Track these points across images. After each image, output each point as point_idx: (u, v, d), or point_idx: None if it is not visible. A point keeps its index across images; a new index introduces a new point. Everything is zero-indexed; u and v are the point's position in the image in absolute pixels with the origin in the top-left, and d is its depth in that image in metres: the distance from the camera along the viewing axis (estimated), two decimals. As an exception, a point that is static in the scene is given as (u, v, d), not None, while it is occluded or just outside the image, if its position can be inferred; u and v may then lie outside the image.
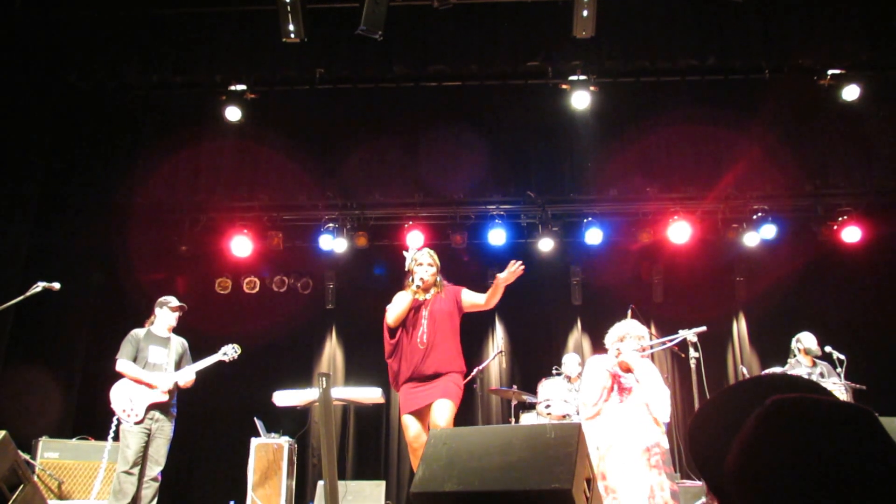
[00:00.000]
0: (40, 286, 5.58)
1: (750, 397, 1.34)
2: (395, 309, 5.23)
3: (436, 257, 5.43)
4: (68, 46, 7.90)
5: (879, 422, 1.18)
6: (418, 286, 5.21)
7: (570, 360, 8.14)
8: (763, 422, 1.20)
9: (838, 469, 1.10)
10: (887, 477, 1.10)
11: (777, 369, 7.26)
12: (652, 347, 5.79)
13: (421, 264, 5.31)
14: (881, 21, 7.79)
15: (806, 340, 7.39)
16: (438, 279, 5.37)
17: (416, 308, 5.24)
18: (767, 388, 1.41)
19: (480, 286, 9.62)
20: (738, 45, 7.96)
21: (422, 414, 5.08)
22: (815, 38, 7.89)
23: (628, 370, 5.08)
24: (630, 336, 5.19)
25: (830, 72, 8.14)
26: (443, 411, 4.94)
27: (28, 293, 5.54)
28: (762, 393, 1.29)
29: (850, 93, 8.07)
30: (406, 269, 5.43)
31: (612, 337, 5.30)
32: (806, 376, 6.99)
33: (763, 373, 7.43)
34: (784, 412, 1.20)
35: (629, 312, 7.06)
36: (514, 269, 5.24)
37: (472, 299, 5.40)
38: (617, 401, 5.04)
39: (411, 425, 5.07)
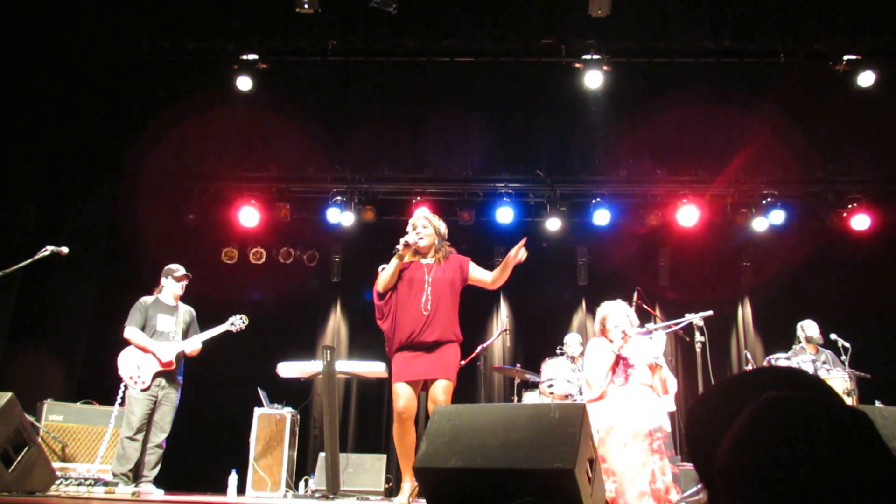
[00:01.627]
0: (49, 250, 5.59)
1: (745, 393, 1.33)
2: (384, 274, 5.07)
3: (434, 220, 5.23)
4: (80, 12, 7.85)
5: (873, 425, 1.16)
6: (398, 249, 5.01)
7: (572, 341, 8.14)
8: (754, 418, 1.19)
9: (826, 470, 1.09)
10: (876, 480, 1.09)
11: (781, 356, 7.26)
12: (657, 330, 5.80)
13: (415, 228, 5.15)
14: (900, 7, 7.70)
15: (808, 328, 7.40)
16: (438, 242, 5.18)
17: (417, 273, 5.07)
18: (764, 384, 1.39)
19: (487, 264, 9.65)
20: (754, 28, 7.88)
21: (416, 384, 4.95)
22: (833, 22, 7.81)
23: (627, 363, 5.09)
24: (611, 317, 5.20)
25: (846, 57, 8.06)
26: (444, 393, 4.87)
27: (36, 256, 5.56)
28: (758, 389, 1.28)
29: (866, 79, 7.99)
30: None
31: (597, 322, 5.33)
32: (810, 363, 7.00)
33: (767, 359, 7.43)
34: (776, 410, 1.19)
35: (635, 294, 7.06)
36: (521, 246, 5.11)
37: (479, 275, 5.24)
38: (620, 382, 5.05)
39: (404, 393, 4.89)
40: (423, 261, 5.12)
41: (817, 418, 1.16)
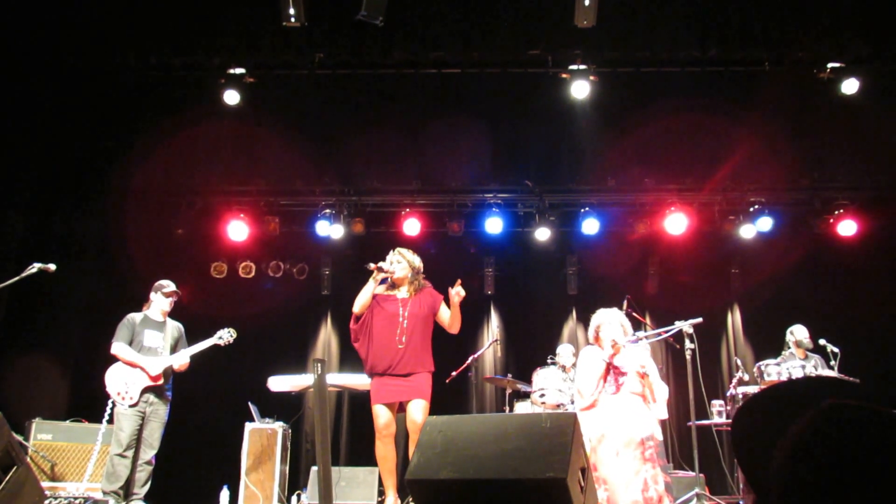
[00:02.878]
0: (36, 267, 5.57)
1: (794, 400, 1.32)
2: (360, 296, 5.54)
3: (408, 255, 5.70)
4: (66, 27, 7.84)
5: None
6: (368, 267, 5.48)
7: (564, 350, 8.15)
8: (818, 424, 1.16)
9: (888, 481, 1.06)
10: None
11: (771, 361, 7.28)
12: (647, 338, 5.81)
13: (391, 262, 5.62)
14: (882, 15, 7.77)
15: (798, 333, 7.44)
16: (412, 276, 5.64)
17: (393, 307, 5.54)
18: (819, 390, 1.38)
19: (477, 275, 9.68)
20: (738, 37, 7.93)
21: (393, 405, 5.49)
22: (816, 31, 7.88)
23: (620, 370, 5.09)
24: (605, 325, 5.21)
25: (830, 65, 8.13)
26: (421, 411, 5.38)
27: (24, 274, 5.53)
28: (813, 394, 1.26)
29: (850, 86, 8.06)
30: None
31: (591, 330, 5.34)
32: (799, 369, 7.03)
33: (757, 365, 7.45)
34: (842, 417, 1.16)
35: (625, 303, 7.08)
36: (458, 286, 5.58)
37: (444, 316, 5.70)
38: (611, 391, 5.05)
39: (383, 414, 5.44)
40: (399, 295, 5.61)
41: (885, 428, 1.13)
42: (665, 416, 5.05)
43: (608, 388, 5.06)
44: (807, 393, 1.35)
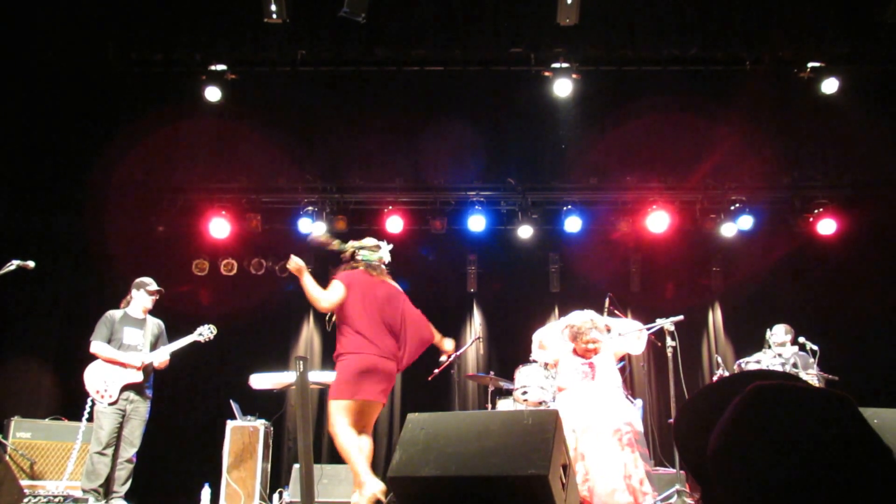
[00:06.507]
0: (14, 264, 5.51)
1: (733, 389, 1.36)
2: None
3: None
4: (45, 22, 7.76)
5: (856, 406, 1.19)
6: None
7: (545, 347, 8.15)
8: (743, 405, 1.22)
9: (814, 450, 1.12)
10: (861, 457, 1.12)
11: (751, 359, 7.33)
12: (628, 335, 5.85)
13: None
14: (861, 15, 7.86)
15: (776, 332, 7.51)
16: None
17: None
18: (749, 380, 1.43)
19: (460, 272, 9.70)
20: (719, 36, 8.00)
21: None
22: (796, 30, 7.95)
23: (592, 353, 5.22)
24: (576, 329, 5.30)
25: (810, 64, 8.21)
26: None
27: (2, 271, 5.47)
28: (743, 385, 1.31)
29: (829, 86, 8.14)
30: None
31: (567, 330, 5.41)
32: (779, 366, 7.09)
33: (738, 363, 7.51)
34: (763, 396, 1.22)
35: (607, 301, 7.10)
36: None
37: None
38: (589, 377, 5.13)
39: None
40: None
41: (802, 401, 1.18)
42: (641, 349, 5.40)
43: (582, 377, 5.15)
44: (740, 384, 1.39)
